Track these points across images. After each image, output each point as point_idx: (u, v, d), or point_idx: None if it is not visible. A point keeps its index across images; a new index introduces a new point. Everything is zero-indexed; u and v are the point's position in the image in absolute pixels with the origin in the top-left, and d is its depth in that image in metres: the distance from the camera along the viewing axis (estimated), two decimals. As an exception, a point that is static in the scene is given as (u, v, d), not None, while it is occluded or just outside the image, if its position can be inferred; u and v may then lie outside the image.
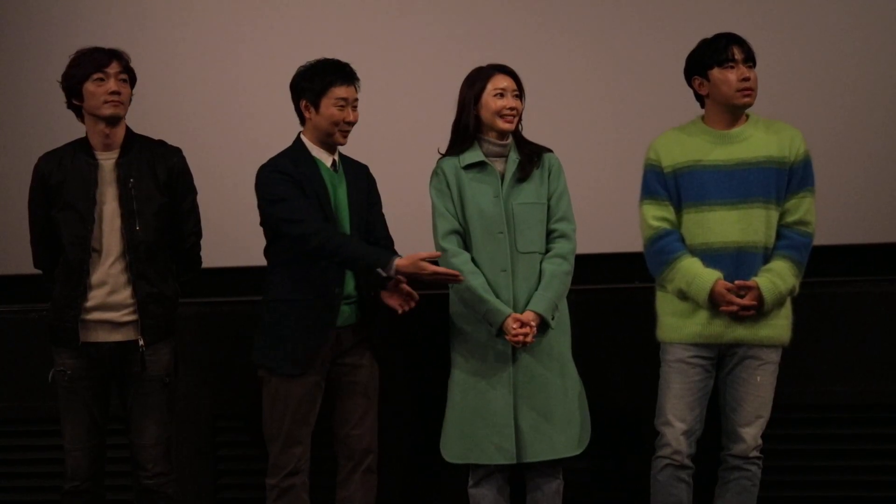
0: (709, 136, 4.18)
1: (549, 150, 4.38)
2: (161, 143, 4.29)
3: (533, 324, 4.18)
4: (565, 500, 4.36)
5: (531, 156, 4.31)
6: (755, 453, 4.15)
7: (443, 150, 4.36)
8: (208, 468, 4.87)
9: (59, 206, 4.13)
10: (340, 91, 4.19)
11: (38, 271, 4.31)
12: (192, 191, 4.32)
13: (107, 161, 4.17)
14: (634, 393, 4.60)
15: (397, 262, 4.07)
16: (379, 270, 4.08)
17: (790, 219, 4.15)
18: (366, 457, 4.31)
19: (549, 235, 4.32)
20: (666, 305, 4.21)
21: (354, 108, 4.24)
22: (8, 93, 5.44)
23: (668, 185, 4.17)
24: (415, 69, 5.29)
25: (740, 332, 4.11)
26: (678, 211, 4.17)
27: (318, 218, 4.14)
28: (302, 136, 4.29)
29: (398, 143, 5.22)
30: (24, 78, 5.42)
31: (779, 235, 4.15)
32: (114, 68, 4.12)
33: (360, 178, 4.35)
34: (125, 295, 4.15)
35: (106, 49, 4.17)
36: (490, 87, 4.25)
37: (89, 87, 4.12)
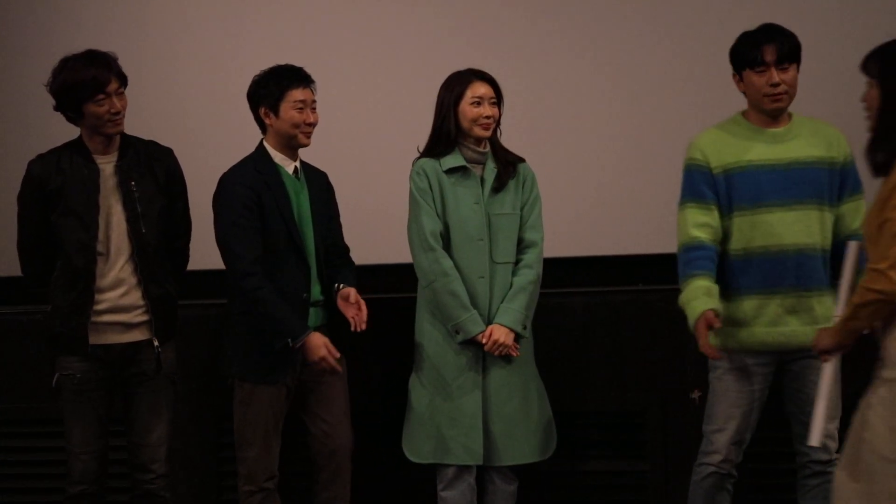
0: (756, 134, 4.01)
1: (523, 160, 4.39)
2: (153, 143, 4.28)
3: (503, 338, 4.22)
4: (560, 502, 4.36)
5: (507, 165, 4.32)
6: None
7: (421, 149, 4.36)
8: (212, 470, 4.86)
9: (60, 211, 4.10)
10: (298, 94, 4.23)
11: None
12: (186, 191, 4.33)
13: (106, 165, 4.15)
14: (640, 395, 4.60)
15: (308, 340, 4.13)
16: (288, 341, 4.12)
17: (855, 225, 3.94)
18: (345, 452, 4.33)
19: (519, 244, 4.35)
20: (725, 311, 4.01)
21: (313, 109, 4.28)
22: (3, 94, 5.42)
23: (717, 187, 3.99)
24: (396, 69, 5.26)
25: (802, 338, 3.93)
26: (728, 214, 3.99)
27: (257, 259, 4.17)
28: (265, 143, 4.31)
29: (371, 144, 5.22)
30: (20, 79, 5.39)
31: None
32: (113, 86, 4.06)
33: (320, 185, 4.40)
34: (136, 296, 4.15)
35: (99, 60, 4.08)
36: (468, 94, 4.26)
37: (91, 107, 4.05)
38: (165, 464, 4.24)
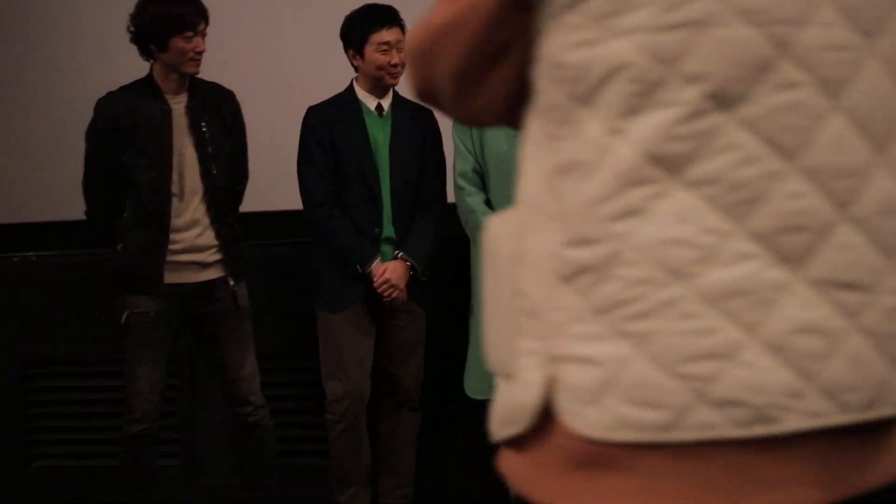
0: None
1: None
2: (217, 85, 4.30)
3: None
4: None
5: None
6: None
7: None
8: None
9: (134, 150, 4.09)
10: (381, 35, 4.22)
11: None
12: (245, 132, 4.36)
13: (177, 105, 4.15)
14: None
15: (375, 266, 4.21)
16: (357, 267, 4.22)
17: None
18: (409, 396, 4.40)
19: None
20: None
21: (400, 50, 4.22)
22: (67, 35, 5.33)
23: None
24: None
25: None
26: None
27: (328, 192, 4.25)
28: (354, 82, 4.37)
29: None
30: (85, 20, 5.32)
31: None
32: (202, 26, 4.09)
33: (414, 122, 4.36)
34: (210, 236, 4.18)
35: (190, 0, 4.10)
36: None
37: (178, 42, 4.05)
38: (260, 394, 4.30)
